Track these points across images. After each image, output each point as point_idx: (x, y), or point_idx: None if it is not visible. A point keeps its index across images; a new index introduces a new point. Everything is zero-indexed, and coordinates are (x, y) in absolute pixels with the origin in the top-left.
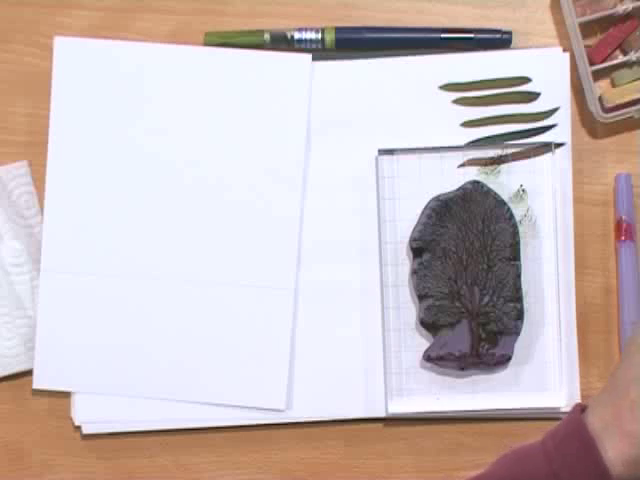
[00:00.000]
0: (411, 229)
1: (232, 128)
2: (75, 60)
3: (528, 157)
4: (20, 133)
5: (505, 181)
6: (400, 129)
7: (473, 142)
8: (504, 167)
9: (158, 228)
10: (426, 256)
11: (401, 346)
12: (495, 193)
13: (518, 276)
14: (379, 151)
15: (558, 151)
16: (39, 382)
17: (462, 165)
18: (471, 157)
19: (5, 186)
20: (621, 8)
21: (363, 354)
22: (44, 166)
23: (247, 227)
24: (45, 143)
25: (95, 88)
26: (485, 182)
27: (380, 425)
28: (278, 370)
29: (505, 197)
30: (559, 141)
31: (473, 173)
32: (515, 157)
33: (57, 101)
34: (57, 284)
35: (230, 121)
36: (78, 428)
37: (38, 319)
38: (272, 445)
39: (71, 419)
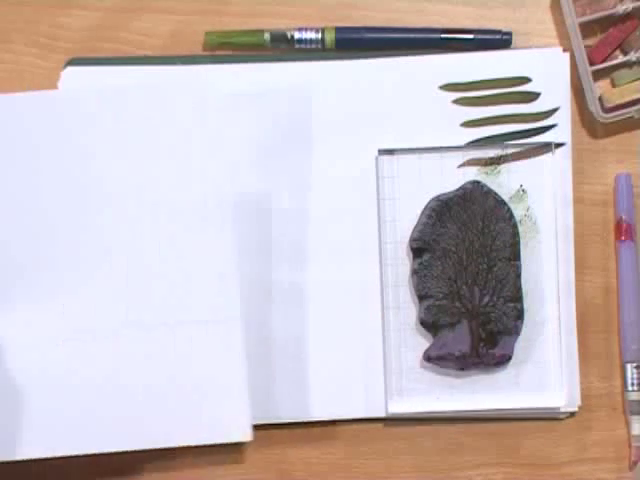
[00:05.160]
0: (411, 229)
1: (143, 163)
2: None
3: (528, 157)
4: None
5: (505, 181)
6: (400, 129)
7: (473, 142)
8: (504, 167)
9: (87, 275)
10: (426, 256)
11: (401, 346)
12: (495, 193)
13: (518, 276)
14: (379, 151)
15: (558, 151)
16: None
17: (462, 165)
18: (471, 157)
19: None
20: (621, 8)
21: (363, 354)
22: None
23: (180, 262)
24: None
25: None
26: (485, 182)
27: (380, 425)
28: (239, 401)
29: (505, 197)
30: (559, 141)
31: (473, 173)
32: (515, 157)
33: None
34: None
35: (140, 157)
36: None
37: None
38: (272, 445)
39: None
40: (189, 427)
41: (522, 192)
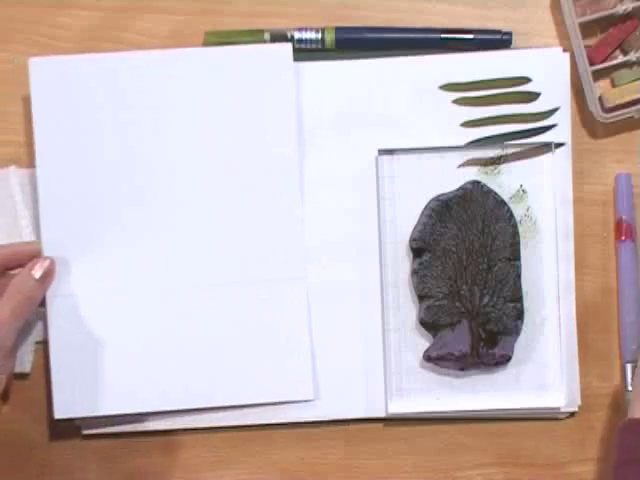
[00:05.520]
0: (411, 229)
1: (220, 126)
2: (52, 79)
3: (528, 157)
4: (20, 133)
5: (505, 181)
6: (400, 129)
7: (473, 142)
8: (504, 167)
9: (161, 237)
10: (426, 256)
11: (401, 346)
12: (495, 193)
13: (518, 276)
14: (379, 151)
15: (558, 151)
16: (60, 412)
17: (462, 165)
18: (471, 157)
19: (37, 188)
20: (621, 8)
21: (363, 354)
22: None
23: (250, 223)
24: None
25: (75, 104)
26: (485, 182)
27: (380, 425)
28: (301, 361)
29: (505, 197)
30: (559, 141)
31: (473, 173)
32: (515, 157)
33: (40, 123)
34: (64, 308)
35: (217, 120)
36: (78, 428)
37: (50, 347)
38: (272, 445)
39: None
40: (255, 385)
41: (522, 192)
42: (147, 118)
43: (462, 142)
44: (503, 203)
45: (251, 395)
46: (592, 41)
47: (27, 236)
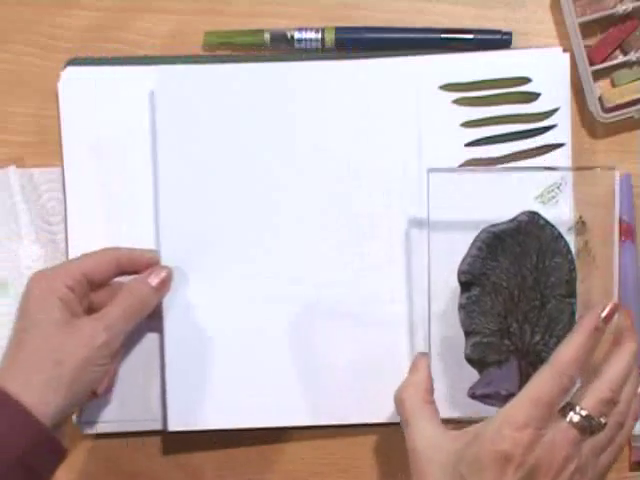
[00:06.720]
0: (460, 259)
1: (344, 140)
2: (176, 89)
3: (528, 157)
4: (20, 133)
5: (563, 211)
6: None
7: (473, 142)
8: (561, 196)
9: (281, 250)
10: (475, 290)
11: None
12: (552, 226)
13: (572, 314)
14: (429, 170)
15: (558, 151)
16: (174, 424)
17: (462, 165)
18: (470, 157)
19: (37, 188)
20: (621, 8)
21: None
22: (45, 166)
23: (359, 244)
24: (45, 143)
25: (197, 111)
26: (541, 212)
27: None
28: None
29: (562, 229)
30: (559, 141)
31: (528, 201)
32: (515, 157)
33: (162, 132)
34: (180, 318)
35: (341, 132)
36: (78, 428)
37: (166, 358)
38: (272, 445)
39: (71, 419)
40: (363, 405)
41: (581, 224)
42: (269, 128)
43: (462, 142)
44: (560, 237)
45: (352, 415)
46: (592, 41)
47: (27, 236)
